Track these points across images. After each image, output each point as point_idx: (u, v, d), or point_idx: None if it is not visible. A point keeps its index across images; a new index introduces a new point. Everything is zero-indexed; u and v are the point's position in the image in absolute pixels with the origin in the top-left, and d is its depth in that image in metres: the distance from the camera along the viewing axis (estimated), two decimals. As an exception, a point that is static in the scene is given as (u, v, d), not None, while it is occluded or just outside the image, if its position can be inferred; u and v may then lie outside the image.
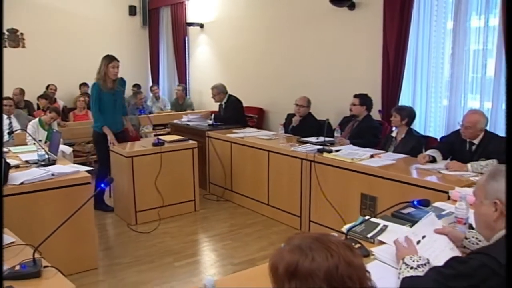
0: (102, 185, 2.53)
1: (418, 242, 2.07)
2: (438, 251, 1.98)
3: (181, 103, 8.76)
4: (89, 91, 6.56)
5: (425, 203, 2.52)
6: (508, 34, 0.98)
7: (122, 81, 5.47)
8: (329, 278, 1.09)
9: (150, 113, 7.99)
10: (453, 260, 1.68)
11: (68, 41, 9.30)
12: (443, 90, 5.06)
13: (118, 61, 5.22)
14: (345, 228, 2.39)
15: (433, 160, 4.04)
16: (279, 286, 1.15)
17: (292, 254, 1.14)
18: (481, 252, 1.62)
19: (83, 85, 9.21)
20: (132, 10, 10.19)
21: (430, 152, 4.13)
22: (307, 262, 1.11)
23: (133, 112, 7.53)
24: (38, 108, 8.01)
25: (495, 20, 4.45)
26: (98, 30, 9.69)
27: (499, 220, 1.69)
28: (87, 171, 4.05)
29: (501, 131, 4.39)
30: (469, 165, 3.75)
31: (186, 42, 9.23)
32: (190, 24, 8.81)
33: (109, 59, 5.19)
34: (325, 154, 4.51)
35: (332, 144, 4.91)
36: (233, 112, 6.52)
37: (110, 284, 3.80)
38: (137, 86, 9.53)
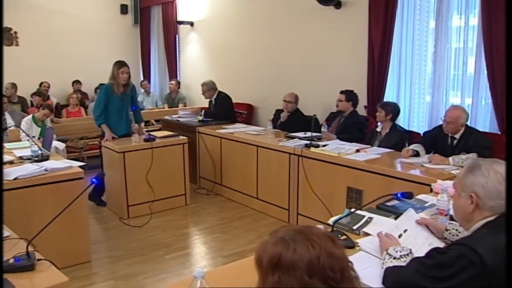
0: (94, 179, 2.59)
1: (400, 235, 2.14)
2: (418, 246, 2.04)
3: (173, 97, 8.89)
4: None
5: (409, 195, 2.59)
6: (508, 33, 1.05)
7: (132, 88, 5.56)
8: (310, 269, 1.11)
9: (141, 109, 8.03)
10: (433, 251, 1.75)
11: (61, 39, 9.30)
12: (426, 87, 5.19)
13: (127, 67, 5.32)
14: (331, 221, 2.44)
15: (416, 154, 4.16)
16: (264, 277, 1.18)
17: (276, 246, 1.17)
18: (460, 243, 1.69)
19: (76, 82, 9.26)
20: (123, 9, 10.20)
21: (414, 146, 4.23)
22: (289, 254, 1.13)
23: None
24: (32, 105, 8.03)
25: (475, 19, 4.59)
26: (91, 29, 9.70)
27: (475, 212, 1.76)
28: (80, 166, 4.11)
29: (481, 126, 4.54)
30: (450, 158, 3.84)
31: (177, 40, 9.28)
32: (181, 23, 8.88)
33: (119, 65, 5.29)
34: (312, 149, 4.61)
35: (319, 139, 5.00)
36: (223, 108, 6.60)
37: (103, 276, 3.86)
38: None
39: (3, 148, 4.23)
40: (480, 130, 4.30)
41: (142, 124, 5.81)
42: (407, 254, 1.89)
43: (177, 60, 9.37)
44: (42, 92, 8.23)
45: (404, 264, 1.82)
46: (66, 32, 9.35)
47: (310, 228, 1.22)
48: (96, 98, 5.65)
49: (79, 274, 3.82)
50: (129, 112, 5.54)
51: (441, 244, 2.09)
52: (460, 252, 1.62)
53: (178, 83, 9.00)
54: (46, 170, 3.86)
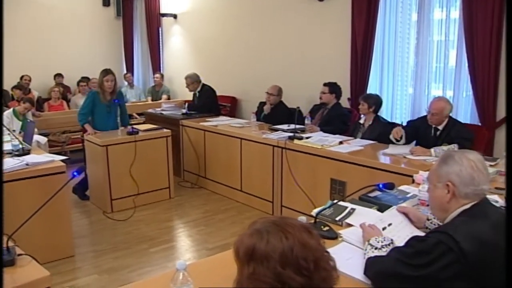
0: (75, 172, 2.58)
1: (384, 228, 2.17)
2: (401, 239, 2.05)
3: (158, 90, 8.82)
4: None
5: (390, 186, 2.62)
6: (508, 33, 1.07)
7: (119, 94, 5.62)
8: (283, 259, 1.12)
9: (126, 102, 7.97)
10: (412, 239, 1.78)
11: (42, 32, 9.16)
12: (408, 79, 5.24)
13: (113, 74, 5.36)
14: (314, 212, 2.46)
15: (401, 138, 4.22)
16: (241, 268, 1.19)
17: (250, 238, 1.19)
18: (438, 231, 1.73)
19: (58, 75, 9.12)
20: (106, 1, 10.06)
21: None
22: (262, 245, 1.15)
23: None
24: (13, 98, 7.91)
25: (456, 12, 4.64)
26: (72, 21, 9.56)
27: (451, 201, 1.80)
28: (62, 160, 4.07)
29: (462, 118, 4.60)
30: (432, 150, 3.89)
31: (160, 32, 9.20)
32: (164, 15, 8.79)
33: (104, 73, 5.33)
34: (296, 141, 4.63)
35: (303, 131, 5.01)
36: (207, 101, 6.58)
37: (87, 271, 3.84)
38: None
39: (3, 145, 4.17)
40: (462, 122, 4.34)
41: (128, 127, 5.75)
42: (389, 244, 1.92)
43: (160, 52, 9.29)
44: (23, 86, 8.10)
45: (385, 254, 1.85)
46: (47, 25, 9.21)
47: (286, 219, 1.23)
48: (83, 102, 5.66)
49: (62, 269, 3.80)
50: (117, 120, 5.50)
51: None
52: (438, 239, 1.65)
53: (163, 76, 8.95)
54: (27, 164, 3.83)
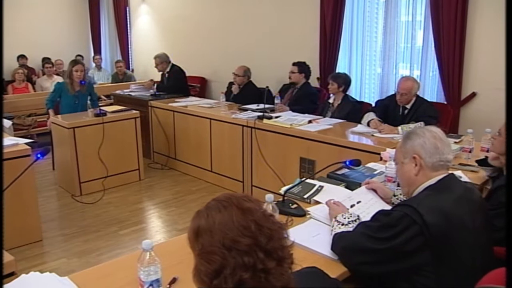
0: (39, 154, 2.53)
1: (353, 205, 2.21)
2: (370, 216, 2.11)
3: (121, 79, 8.45)
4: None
5: (356, 162, 2.67)
6: (508, 32, 1.07)
7: (89, 85, 5.66)
8: (225, 226, 1.15)
9: (94, 83, 7.81)
10: (378, 213, 1.82)
11: (4, 12, 8.84)
12: (377, 59, 5.29)
13: (82, 64, 5.46)
14: (282, 190, 2.47)
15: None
16: (194, 252, 1.21)
17: (194, 220, 1.22)
18: (403, 204, 1.77)
19: (21, 57, 8.87)
20: (71, -20, 9.79)
21: (367, 115, 4.30)
22: (203, 221, 1.18)
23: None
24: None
25: (423, -7, 4.70)
26: (36, 1, 9.28)
27: (419, 173, 1.85)
28: (28, 143, 3.98)
29: (428, 96, 4.70)
30: (399, 128, 3.93)
31: (127, 12, 9.01)
32: (131, -6, 8.62)
33: (73, 63, 5.42)
34: (265, 121, 4.62)
35: (272, 110, 5.02)
36: (176, 82, 6.50)
37: (55, 255, 3.80)
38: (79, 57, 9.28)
39: (3, 141, 4.05)
40: (428, 100, 4.40)
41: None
42: (355, 220, 1.96)
43: (128, 33, 9.12)
44: (-16, 68, 7.85)
45: (351, 229, 1.88)
46: (10, 5, 8.88)
47: (226, 194, 1.27)
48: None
49: (30, 254, 3.76)
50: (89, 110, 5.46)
51: None
52: (403, 212, 1.69)
53: (125, 63, 8.74)
54: (-11, 148, 3.71)
